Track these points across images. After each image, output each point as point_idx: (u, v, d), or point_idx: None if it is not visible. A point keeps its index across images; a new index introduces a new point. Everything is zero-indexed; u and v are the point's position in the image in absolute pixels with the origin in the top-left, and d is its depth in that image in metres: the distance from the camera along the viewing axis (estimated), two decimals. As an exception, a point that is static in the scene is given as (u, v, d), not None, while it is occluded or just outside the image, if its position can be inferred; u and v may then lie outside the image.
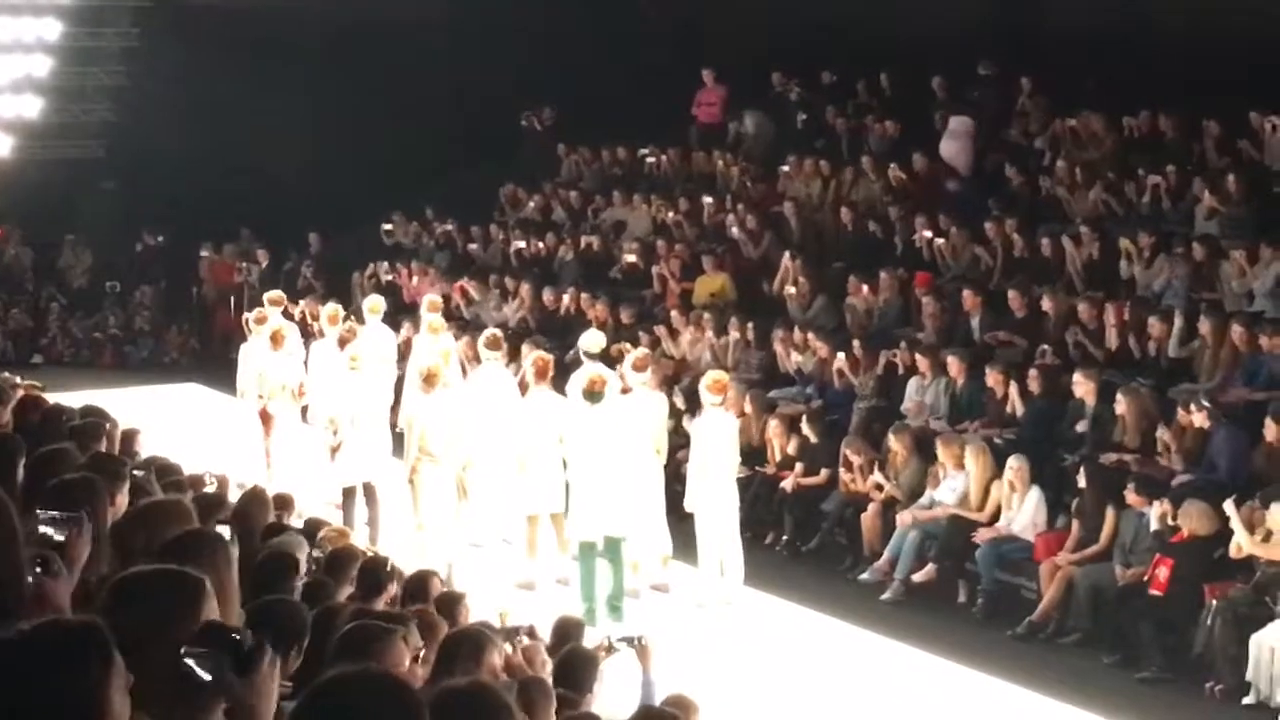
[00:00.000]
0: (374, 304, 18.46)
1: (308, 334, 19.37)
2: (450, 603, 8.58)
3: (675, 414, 16.16)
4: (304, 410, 17.20)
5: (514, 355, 17.22)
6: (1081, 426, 14.46)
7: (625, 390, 14.19)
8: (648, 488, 14.13)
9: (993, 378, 15.29)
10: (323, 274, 25.40)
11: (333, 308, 18.42)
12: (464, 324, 20.94)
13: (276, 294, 19.28)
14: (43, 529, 5.21)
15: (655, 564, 14.41)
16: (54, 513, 5.28)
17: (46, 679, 3.18)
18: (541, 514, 14.45)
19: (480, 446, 14.98)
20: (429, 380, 14.38)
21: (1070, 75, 19.80)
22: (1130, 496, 13.07)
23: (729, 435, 14.16)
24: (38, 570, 4.42)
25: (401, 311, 21.01)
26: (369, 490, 15.26)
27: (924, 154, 19.97)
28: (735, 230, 20.62)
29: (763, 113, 23.27)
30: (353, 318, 18.70)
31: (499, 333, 16.52)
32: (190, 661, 3.64)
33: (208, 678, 3.64)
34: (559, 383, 14.82)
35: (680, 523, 14.39)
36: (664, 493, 14.51)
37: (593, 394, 13.60)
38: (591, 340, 15.35)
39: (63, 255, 29.92)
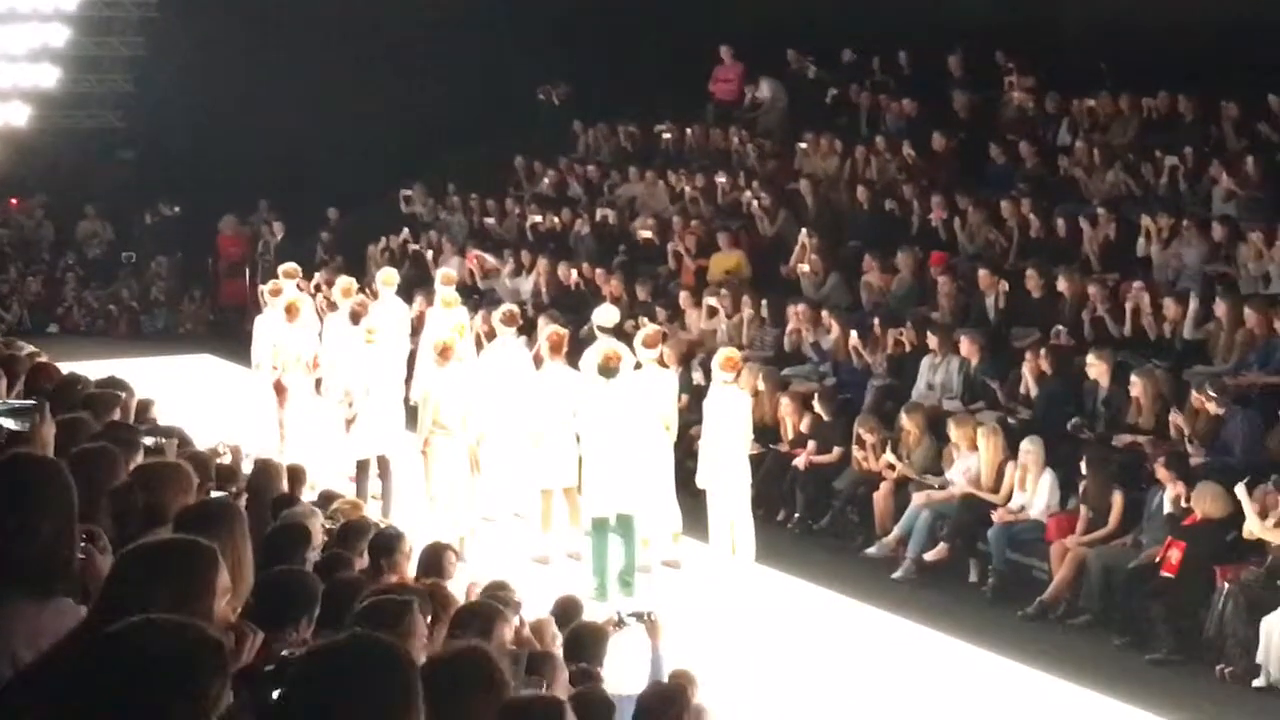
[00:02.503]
0: (387, 276, 18.43)
1: (322, 307, 19.40)
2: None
3: (694, 391, 16.19)
4: (318, 383, 17.23)
5: (529, 330, 17.25)
6: (1093, 408, 14.45)
7: (637, 366, 14.20)
8: (659, 464, 14.15)
9: (1030, 365, 15.10)
10: (339, 247, 25.42)
11: (346, 280, 18.42)
12: (479, 297, 20.96)
13: (290, 266, 19.26)
14: (2, 421, 5.25)
15: (666, 540, 14.43)
16: (12, 402, 5.32)
17: (163, 688, 3.20)
18: (555, 488, 14.48)
19: (494, 420, 15.00)
20: (443, 354, 14.40)
21: (1087, 57, 19.75)
22: (1160, 473, 12.98)
23: (742, 412, 14.16)
24: (83, 543, 4.47)
25: (425, 284, 21.00)
26: (382, 463, 15.30)
27: (942, 133, 19.91)
28: (755, 204, 20.57)
29: (779, 82, 23.21)
30: (366, 290, 18.71)
31: (515, 309, 16.52)
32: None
33: None
34: (573, 358, 14.84)
35: (692, 499, 14.41)
36: (675, 469, 14.53)
37: (607, 369, 13.60)
38: (605, 315, 15.36)
39: (80, 225, 29.99)
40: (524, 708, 4.81)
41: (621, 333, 15.54)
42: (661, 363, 14.61)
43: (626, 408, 13.61)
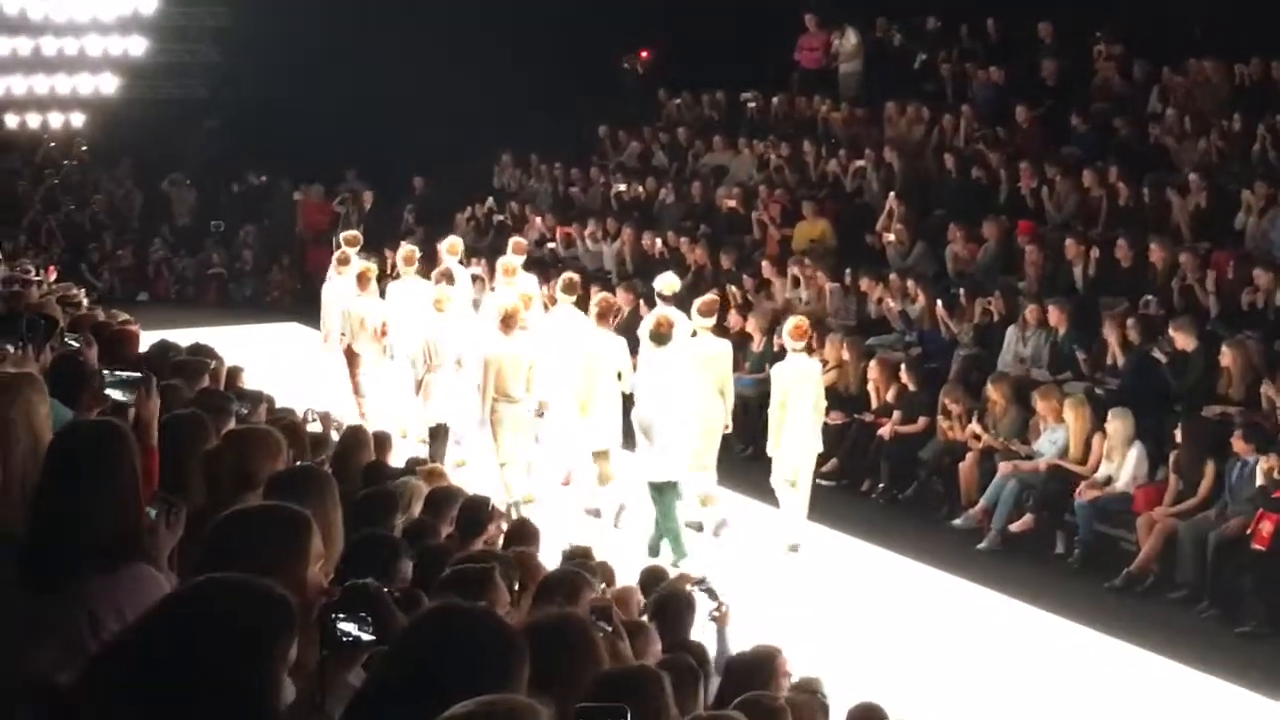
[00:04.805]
0: (452, 244, 18.48)
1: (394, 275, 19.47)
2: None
3: (776, 359, 16.18)
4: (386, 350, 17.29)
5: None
6: (1181, 377, 14.27)
7: (694, 334, 14.22)
8: (709, 430, 14.15)
9: (1117, 335, 14.93)
10: (424, 216, 25.52)
11: (407, 249, 18.46)
12: (561, 265, 20.97)
13: (352, 234, 19.44)
14: (110, 391, 5.27)
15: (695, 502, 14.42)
16: (120, 373, 5.31)
17: (227, 646, 3.18)
18: (610, 448, 14.54)
19: (554, 387, 15.04)
20: (507, 321, 14.47)
21: (1178, 22, 19.46)
22: (1237, 444, 12.86)
23: (812, 380, 14.11)
24: (151, 515, 4.50)
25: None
26: (453, 430, 15.41)
27: (1030, 101, 19.69)
28: (860, 163, 20.42)
29: (862, 34, 22.99)
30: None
31: (575, 277, 16.56)
32: (349, 627, 3.72)
33: (370, 637, 3.72)
34: (629, 324, 14.88)
35: (762, 466, 14.40)
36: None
37: (659, 335, 13.56)
38: (666, 282, 15.34)
39: (168, 194, 30.31)
40: (624, 679, 4.80)
41: (687, 300, 15.52)
42: (718, 330, 14.57)
43: (677, 374, 13.58)
